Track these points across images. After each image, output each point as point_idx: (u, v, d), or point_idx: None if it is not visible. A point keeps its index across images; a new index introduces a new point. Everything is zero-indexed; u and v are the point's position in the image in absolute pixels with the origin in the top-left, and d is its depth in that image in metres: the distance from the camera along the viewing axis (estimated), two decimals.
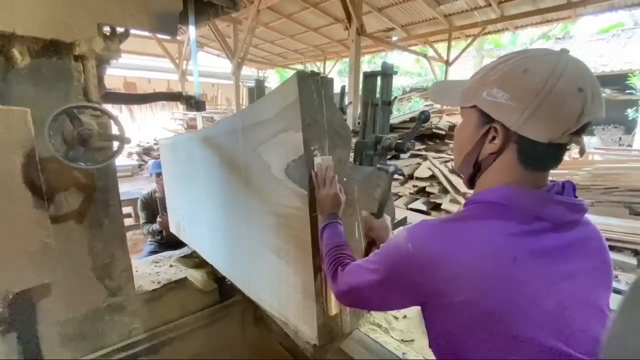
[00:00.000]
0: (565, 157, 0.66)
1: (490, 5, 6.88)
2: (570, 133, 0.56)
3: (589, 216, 0.66)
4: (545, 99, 0.55)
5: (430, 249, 0.60)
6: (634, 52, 10.94)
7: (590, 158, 6.34)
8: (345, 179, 1.11)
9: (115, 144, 1.22)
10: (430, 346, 0.70)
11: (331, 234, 0.91)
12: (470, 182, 0.72)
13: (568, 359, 0.54)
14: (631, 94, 10.02)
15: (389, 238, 0.71)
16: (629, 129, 10.50)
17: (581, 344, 0.56)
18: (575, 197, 0.64)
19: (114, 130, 1.19)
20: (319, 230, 0.96)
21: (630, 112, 10.09)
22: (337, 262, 0.83)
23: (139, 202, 3.07)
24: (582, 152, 0.61)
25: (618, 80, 10.47)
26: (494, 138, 0.62)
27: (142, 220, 3.04)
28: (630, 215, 4.13)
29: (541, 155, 0.60)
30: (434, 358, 0.71)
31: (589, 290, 0.62)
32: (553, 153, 0.60)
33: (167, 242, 2.72)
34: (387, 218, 1.09)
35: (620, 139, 10.79)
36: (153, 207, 2.97)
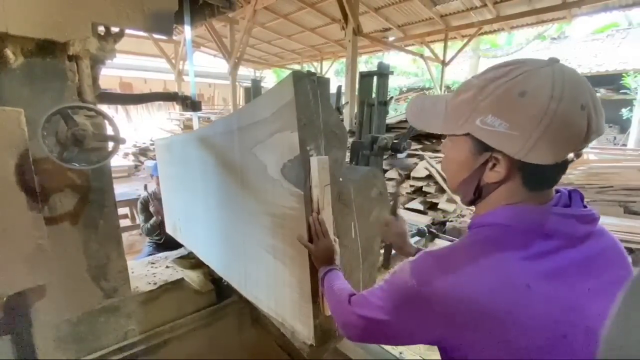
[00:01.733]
0: None
1: (486, 5, 6.92)
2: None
3: None
4: (550, 125, 0.50)
5: (437, 284, 0.56)
6: (628, 52, 11.04)
7: (585, 157, 6.38)
8: (341, 179, 1.11)
9: (111, 145, 1.21)
10: None
11: (333, 278, 0.91)
12: (470, 204, 0.68)
13: None
14: (625, 93, 10.10)
15: (394, 271, 0.66)
16: (624, 128, 10.58)
17: None
18: (585, 206, 0.60)
19: (109, 131, 1.18)
20: (319, 278, 0.97)
21: (624, 112, 10.16)
22: (344, 296, 0.79)
23: (138, 205, 3.06)
24: (578, 155, 0.58)
25: (613, 80, 10.56)
26: (494, 165, 0.58)
27: (142, 222, 3.03)
28: (625, 214, 4.16)
29: (548, 176, 0.58)
30: (432, 358, 0.71)
31: (608, 305, 0.59)
32: (560, 170, 0.57)
33: (166, 242, 2.70)
34: (402, 220, 1.11)
35: (614, 138, 10.87)
36: None
